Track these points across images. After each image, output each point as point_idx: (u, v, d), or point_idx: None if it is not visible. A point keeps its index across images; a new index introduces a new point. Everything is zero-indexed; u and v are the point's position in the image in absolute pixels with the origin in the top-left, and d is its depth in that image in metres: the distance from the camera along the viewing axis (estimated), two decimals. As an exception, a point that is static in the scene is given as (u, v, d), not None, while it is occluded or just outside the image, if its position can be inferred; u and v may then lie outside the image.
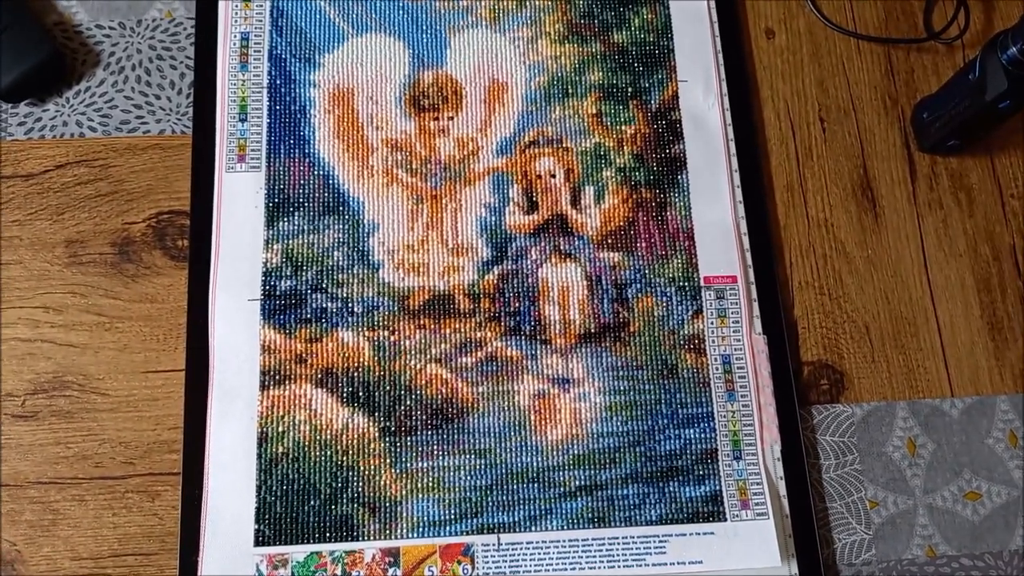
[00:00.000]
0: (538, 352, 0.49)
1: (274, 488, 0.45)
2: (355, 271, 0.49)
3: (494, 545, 0.45)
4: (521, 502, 0.46)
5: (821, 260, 0.52)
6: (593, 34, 0.55)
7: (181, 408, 0.47)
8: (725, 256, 0.51)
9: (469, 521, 0.46)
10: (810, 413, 0.49)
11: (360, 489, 0.46)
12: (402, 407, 0.47)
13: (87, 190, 0.51)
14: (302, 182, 0.51)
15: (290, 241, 0.50)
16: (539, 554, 0.45)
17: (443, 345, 0.49)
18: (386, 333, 0.48)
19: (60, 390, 0.47)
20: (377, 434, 0.47)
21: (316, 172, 0.51)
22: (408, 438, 0.47)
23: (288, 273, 0.49)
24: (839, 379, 0.50)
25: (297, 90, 0.52)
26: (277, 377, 0.47)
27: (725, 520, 0.46)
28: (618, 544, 0.46)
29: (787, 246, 0.52)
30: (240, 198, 0.50)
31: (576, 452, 0.47)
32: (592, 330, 0.49)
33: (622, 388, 0.48)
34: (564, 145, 0.53)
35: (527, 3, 0.55)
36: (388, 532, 0.45)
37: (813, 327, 0.51)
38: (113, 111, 0.52)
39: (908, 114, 0.55)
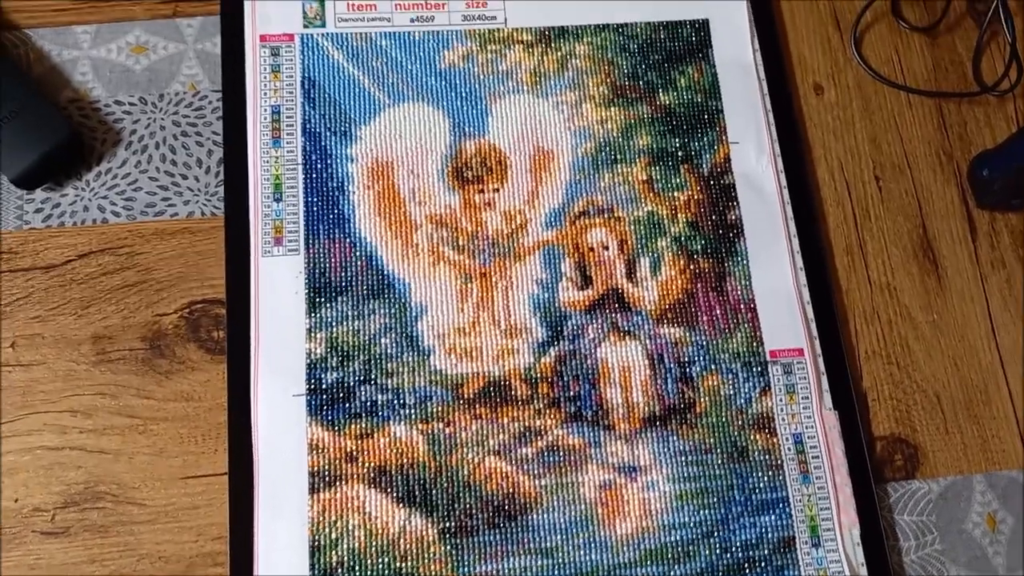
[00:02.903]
0: (602, 439, 0.46)
1: (330, 602, 0.42)
2: (405, 359, 0.47)
3: (568, 653, 0.43)
4: (594, 604, 0.43)
5: (886, 327, 0.50)
6: (639, 96, 0.53)
7: (225, 516, 0.43)
8: (790, 327, 0.49)
9: (540, 627, 0.43)
10: (886, 492, 0.47)
11: (422, 598, 0.43)
12: (461, 506, 0.44)
13: (113, 280, 0.47)
14: (344, 265, 0.48)
15: (334, 329, 0.47)
16: (616, 660, 0.43)
17: (501, 436, 0.46)
18: (440, 425, 0.46)
19: (92, 502, 0.44)
20: (436, 536, 0.44)
21: (358, 253, 0.48)
22: (469, 539, 0.44)
23: (334, 364, 0.46)
24: (913, 454, 0.48)
25: (334, 165, 0.49)
26: (327, 478, 0.44)
27: (809, 614, 0.44)
28: (699, 645, 0.43)
29: (851, 313, 0.50)
30: (279, 284, 0.47)
31: (648, 546, 0.45)
32: (657, 412, 0.47)
33: (692, 474, 0.46)
34: (616, 214, 0.50)
35: (569, 65, 0.53)
36: (455, 644, 0.42)
37: (883, 399, 0.49)
38: (137, 193, 0.49)
39: (964, 169, 0.54)
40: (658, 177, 0.51)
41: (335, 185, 0.49)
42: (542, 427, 0.46)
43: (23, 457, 0.44)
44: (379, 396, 0.46)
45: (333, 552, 0.43)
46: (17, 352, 0.46)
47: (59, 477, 0.44)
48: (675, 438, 0.46)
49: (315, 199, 0.49)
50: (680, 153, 0.52)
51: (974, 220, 0.53)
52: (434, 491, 0.44)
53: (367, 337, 0.47)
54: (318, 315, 0.47)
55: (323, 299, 0.47)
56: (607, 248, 0.50)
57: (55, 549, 0.43)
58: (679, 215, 0.51)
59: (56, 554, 0.43)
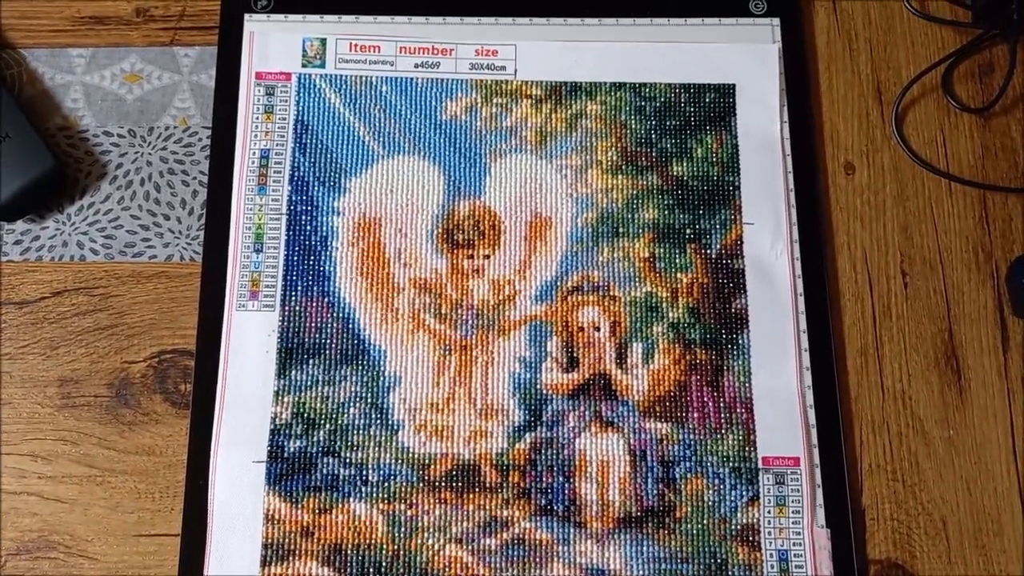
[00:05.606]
0: (571, 536, 0.44)
1: None
2: (372, 432, 0.44)
3: None
4: None
5: (895, 439, 0.46)
6: (650, 164, 0.49)
7: (174, 581, 0.42)
8: (788, 433, 0.45)
9: None
10: (874, 622, 0.44)
11: None
12: (416, 594, 0.42)
13: (85, 322, 0.46)
14: (319, 325, 0.46)
15: (302, 394, 0.45)
16: None
17: (465, 523, 0.43)
18: (403, 507, 0.44)
19: (45, 552, 0.43)
20: (387, 625, 0.42)
21: (335, 314, 0.46)
22: (421, 631, 0.42)
23: (298, 432, 0.44)
24: (909, 583, 0.45)
25: (319, 218, 0.47)
26: (280, 552, 0.43)
27: None
28: None
29: (857, 421, 0.47)
30: (250, 342, 0.45)
31: (608, 658, 0.42)
32: (633, 514, 0.44)
33: (663, 585, 0.43)
34: (611, 293, 0.47)
35: (578, 125, 0.49)
36: None
37: (883, 519, 0.45)
38: (117, 232, 0.47)
39: (1003, 271, 0.49)
40: (661, 255, 0.48)
41: (318, 239, 0.47)
42: (509, 518, 0.44)
43: (-20, 499, 0.44)
44: (341, 470, 0.44)
45: (279, 631, 0.42)
46: (-16, 389, 0.45)
47: (14, 523, 0.43)
48: (650, 543, 0.44)
49: (296, 253, 0.47)
50: (688, 231, 0.48)
51: (1008, 329, 0.48)
52: (389, 576, 0.43)
53: (335, 405, 0.45)
54: (287, 378, 0.45)
55: (293, 361, 0.45)
56: (598, 329, 0.47)
57: (3, 597, 0.43)
58: (680, 299, 0.47)
59: (3, 603, 0.43)
